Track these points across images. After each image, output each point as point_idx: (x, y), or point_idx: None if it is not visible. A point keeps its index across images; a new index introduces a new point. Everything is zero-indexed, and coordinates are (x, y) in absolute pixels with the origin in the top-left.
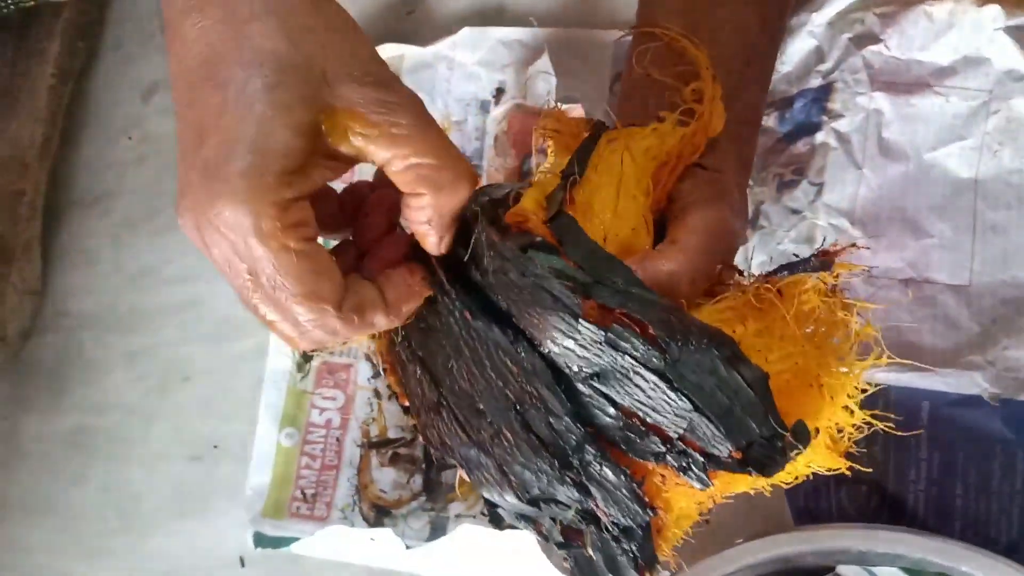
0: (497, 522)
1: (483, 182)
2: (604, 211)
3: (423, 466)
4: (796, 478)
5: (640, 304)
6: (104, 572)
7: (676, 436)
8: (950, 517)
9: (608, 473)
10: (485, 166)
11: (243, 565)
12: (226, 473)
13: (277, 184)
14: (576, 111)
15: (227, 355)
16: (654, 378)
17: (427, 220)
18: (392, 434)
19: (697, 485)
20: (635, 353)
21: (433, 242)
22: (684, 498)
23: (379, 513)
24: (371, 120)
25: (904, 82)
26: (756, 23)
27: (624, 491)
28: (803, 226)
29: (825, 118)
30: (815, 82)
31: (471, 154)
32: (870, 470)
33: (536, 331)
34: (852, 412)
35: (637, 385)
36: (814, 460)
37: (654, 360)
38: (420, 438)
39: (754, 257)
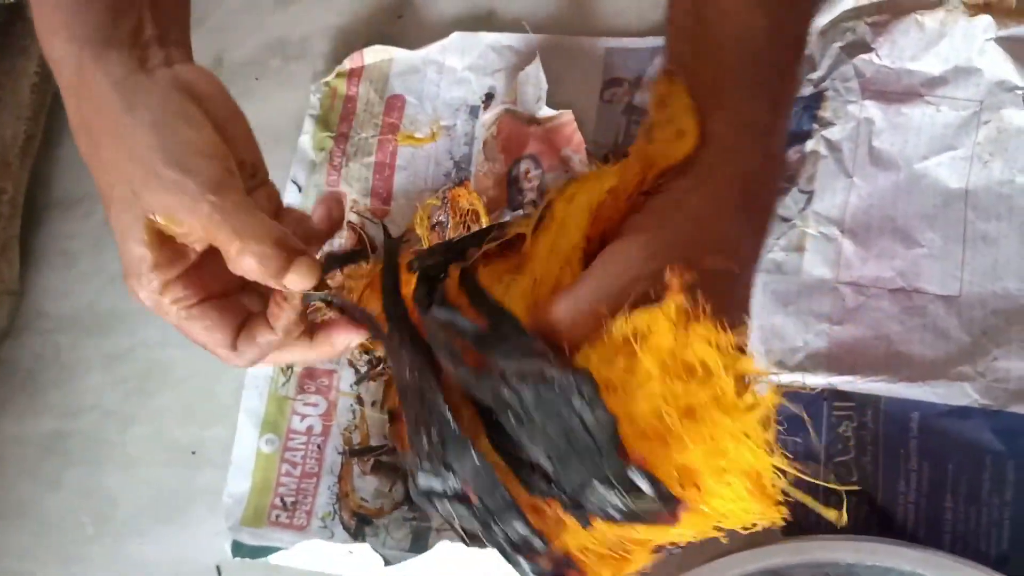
0: (470, 539)
1: (471, 185)
2: (543, 252)
3: (406, 475)
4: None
5: (509, 351)
6: None
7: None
8: (940, 529)
9: (471, 458)
10: (473, 171)
11: (219, 574)
12: (205, 480)
13: (147, 279)
14: (567, 117)
15: (208, 359)
16: (514, 421)
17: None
18: (374, 442)
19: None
20: (501, 395)
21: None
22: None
23: (360, 522)
24: (175, 220)
25: (895, 91)
26: (763, 33)
27: (485, 476)
28: (793, 234)
29: (816, 126)
30: (806, 91)
31: (460, 159)
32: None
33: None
34: (762, 458)
35: (507, 420)
36: (747, 508)
37: (513, 403)
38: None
39: None
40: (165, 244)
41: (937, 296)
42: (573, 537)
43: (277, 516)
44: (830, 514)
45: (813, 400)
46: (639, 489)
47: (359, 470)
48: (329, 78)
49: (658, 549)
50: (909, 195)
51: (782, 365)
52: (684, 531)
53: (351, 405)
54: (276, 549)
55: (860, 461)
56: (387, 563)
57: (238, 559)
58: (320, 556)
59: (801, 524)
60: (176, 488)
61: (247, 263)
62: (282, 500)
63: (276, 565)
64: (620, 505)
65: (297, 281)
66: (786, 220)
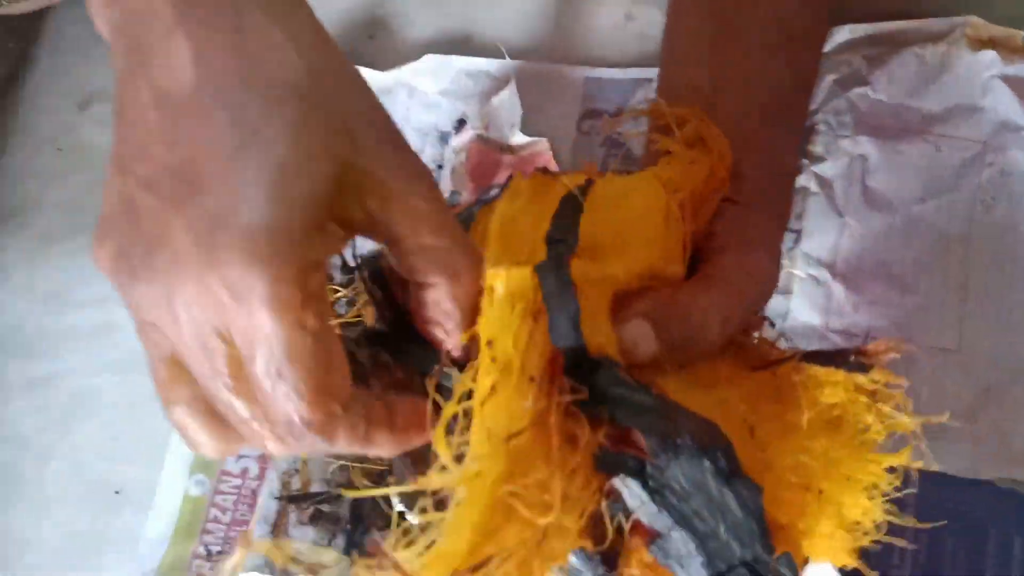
0: None
1: None
2: (630, 241)
3: (348, 526)
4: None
5: (631, 408)
6: None
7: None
8: None
9: None
10: None
11: None
12: (124, 522)
13: (302, 242)
14: (542, 146)
15: (139, 388)
16: (636, 485)
17: (444, 314)
18: (316, 488)
19: None
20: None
21: (452, 342)
22: None
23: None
24: (392, 186)
25: (892, 127)
26: (787, 74)
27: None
28: (780, 275)
29: (806, 161)
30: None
31: None
32: None
33: None
34: (872, 510)
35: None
36: (822, 555)
37: (637, 467)
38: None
39: None
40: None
41: (934, 349)
42: None
43: (199, 568)
44: None
45: None
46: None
47: (296, 519)
48: None
49: None
50: (905, 239)
51: None
52: None
53: None
54: None
55: None
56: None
57: None
58: None
59: None
60: (94, 532)
61: (456, 264)
62: (207, 549)
63: None
64: None
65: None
66: None
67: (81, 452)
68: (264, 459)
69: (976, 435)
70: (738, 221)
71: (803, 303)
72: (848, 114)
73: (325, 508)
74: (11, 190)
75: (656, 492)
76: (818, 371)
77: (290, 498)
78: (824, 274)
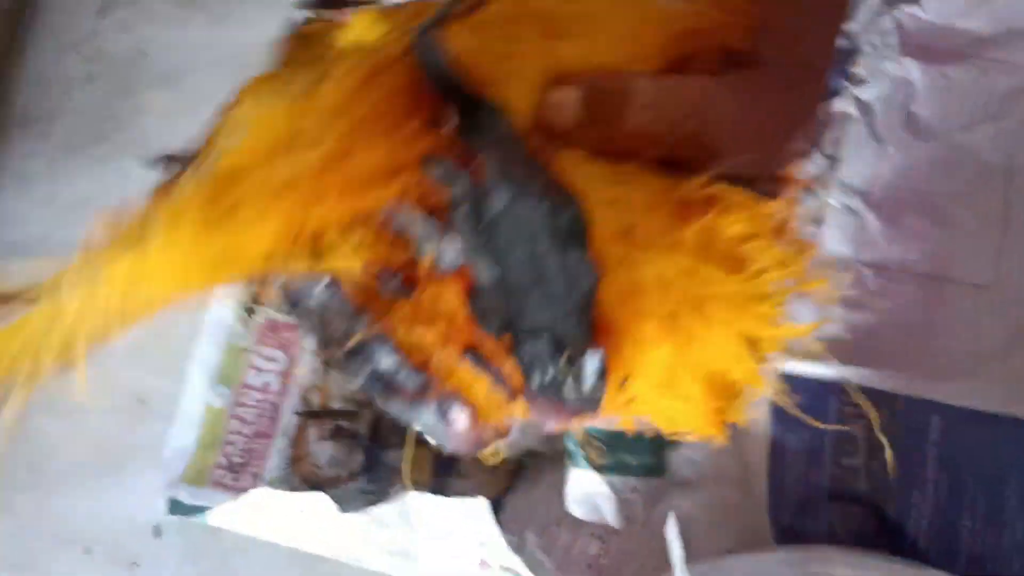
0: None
1: None
2: (594, 32)
3: (367, 443)
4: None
5: (492, 139)
6: (3, 531)
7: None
8: (955, 551)
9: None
10: None
11: (157, 535)
12: (150, 431)
13: None
14: None
15: None
16: (463, 214)
17: None
18: (336, 405)
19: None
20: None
21: None
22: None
23: (312, 490)
24: None
25: (939, 49)
26: None
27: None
28: (812, 203)
29: (847, 83)
30: (839, 45)
31: None
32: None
33: None
34: (755, 374)
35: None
36: (681, 416)
37: (473, 197)
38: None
39: None
40: None
41: (969, 285)
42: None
43: (221, 477)
44: None
45: (819, 393)
46: (578, 373)
47: (316, 434)
48: None
49: None
50: (947, 169)
51: (788, 351)
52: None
53: (314, 363)
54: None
55: (870, 467)
56: (343, 510)
57: (178, 519)
58: (264, 520)
59: (797, 531)
60: (119, 439)
61: None
62: (228, 460)
63: (217, 529)
64: (551, 377)
65: None
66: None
67: (106, 363)
68: (286, 375)
69: (1009, 374)
70: (720, 74)
71: (835, 234)
72: (894, 34)
73: (344, 424)
74: (34, 97)
75: (482, 229)
76: (723, 191)
77: (309, 414)
78: (858, 204)
